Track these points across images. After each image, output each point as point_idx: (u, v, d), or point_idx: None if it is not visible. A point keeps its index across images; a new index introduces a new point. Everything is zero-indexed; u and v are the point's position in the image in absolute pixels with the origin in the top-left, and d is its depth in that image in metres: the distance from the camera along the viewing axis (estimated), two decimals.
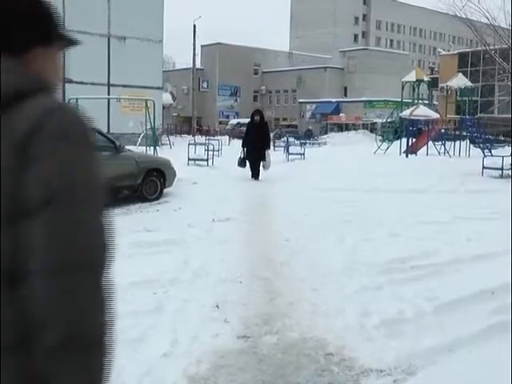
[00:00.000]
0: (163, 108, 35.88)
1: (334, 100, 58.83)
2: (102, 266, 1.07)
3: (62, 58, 1.27)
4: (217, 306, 4.56)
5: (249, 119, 15.87)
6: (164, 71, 40.25)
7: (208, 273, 5.51)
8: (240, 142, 16.07)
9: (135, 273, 5.13)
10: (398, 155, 24.53)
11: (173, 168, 11.41)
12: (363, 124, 53.45)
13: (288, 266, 5.93)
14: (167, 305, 4.53)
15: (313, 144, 38.15)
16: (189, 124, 52.18)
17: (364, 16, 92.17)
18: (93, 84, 27.67)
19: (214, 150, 19.22)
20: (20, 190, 1.05)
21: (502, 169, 16.33)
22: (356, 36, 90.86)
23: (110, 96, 28.26)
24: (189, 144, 19.30)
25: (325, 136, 47.01)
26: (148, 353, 3.63)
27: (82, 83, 26.59)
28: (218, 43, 64.72)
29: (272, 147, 19.40)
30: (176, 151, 21.07)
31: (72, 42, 1.27)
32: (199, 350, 3.73)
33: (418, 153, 25.42)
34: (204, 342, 3.87)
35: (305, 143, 30.37)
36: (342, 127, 54.95)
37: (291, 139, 29.16)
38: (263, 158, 14.44)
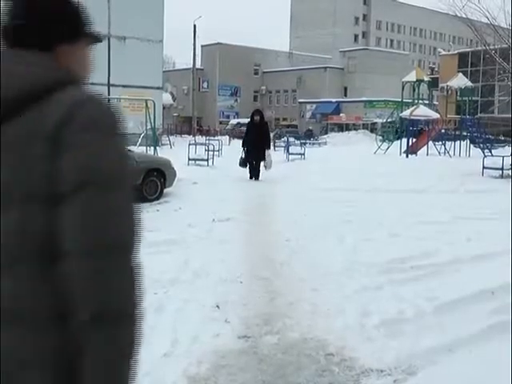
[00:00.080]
0: (163, 108, 35.88)
1: (334, 100, 58.81)
2: (132, 247, 1.15)
3: (91, 53, 1.36)
4: (217, 306, 4.56)
5: (249, 119, 15.87)
6: (164, 71, 40.26)
7: (208, 273, 5.51)
8: (240, 142, 16.08)
9: None
10: (398, 155, 24.53)
11: (173, 168, 11.41)
12: (363, 124, 53.44)
13: (288, 266, 5.93)
14: (167, 305, 4.53)
15: (313, 144, 38.14)
16: (189, 124, 52.18)
17: (364, 16, 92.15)
18: (93, 84, 27.44)
19: (214, 150, 19.22)
20: (54, 176, 1.12)
21: (502, 169, 16.33)
22: (356, 36, 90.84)
23: (110, 96, 28.25)
24: (189, 144, 19.29)
25: (325, 136, 47.01)
26: (148, 353, 3.62)
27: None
28: (218, 43, 64.70)
29: (272, 147, 19.38)
30: (176, 151, 21.06)
31: (98, 39, 1.36)
32: (199, 350, 3.73)
33: (419, 153, 25.42)
34: (204, 342, 3.87)
35: (305, 143, 30.37)
36: (342, 127, 54.94)
37: (291, 139, 29.16)
38: (263, 157, 14.45)
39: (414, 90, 28.55)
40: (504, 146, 29.74)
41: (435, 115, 27.33)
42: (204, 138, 33.14)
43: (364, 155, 23.99)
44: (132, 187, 1.20)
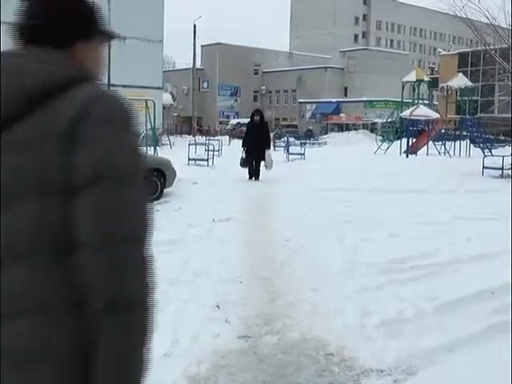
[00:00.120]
0: (163, 108, 35.88)
1: (334, 100, 58.84)
2: (145, 240, 1.18)
3: (105, 50, 1.40)
4: (217, 306, 4.56)
5: (249, 119, 15.87)
6: (164, 71, 40.26)
7: (208, 273, 5.51)
8: (240, 142, 16.08)
9: None
10: (398, 155, 24.53)
11: (173, 168, 11.40)
12: (363, 124, 53.46)
13: (288, 266, 5.93)
14: (167, 305, 4.52)
15: (313, 144, 38.16)
16: (189, 124, 52.19)
17: (364, 16, 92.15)
18: None
19: (214, 150, 19.22)
20: (70, 170, 1.14)
21: (502, 169, 16.33)
22: (356, 36, 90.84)
23: None
24: (189, 144, 19.30)
25: (325, 136, 47.02)
26: None
27: None
28: (218, 43, 64.72)
29: (272, 147, 19.39)
30: (176, 151, 21.06)
31: (112, 37, 1.40)
32: (200, 350, 3.73)
33: (419, 153, 25.43)
34: (204, 342, 3.87)
35: (305, 143, 30.38)
36: (342, 127, 54.96)
37: (291, 139, 29.17)
38: (263, 157, 14.45)
39: (413, 90, 28.56)
40: (504, 146, 29.76)
41: (435, 115, 27.33)
42: (204, 138, 33.15)
43: (364, 155, 23.99)
44: (144, 179, 1.22)
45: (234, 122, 54.48)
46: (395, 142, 27.62)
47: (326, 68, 64.02)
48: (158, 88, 31.14)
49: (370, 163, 19.11)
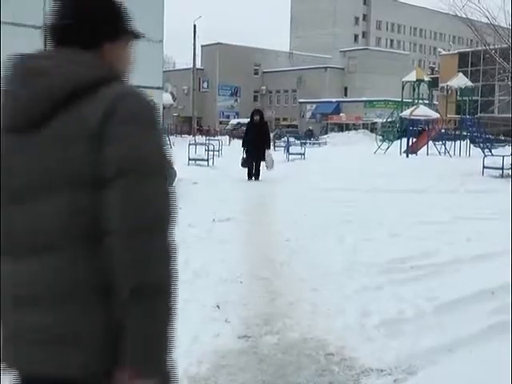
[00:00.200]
0: (163, 108, 35.76)
1: (334, 100, 58.85)
2: (168, 229, 1.24)
3: (131, 49, 1.49)
4: (217, 306, 4.56)
5: (249, 119, 15.87)
6: (164, 71, 40.14)
7: (208, 273, 5.51)
8: (240, 142, 16.08)
9: None
10: (398, 155, 24.54)
11: (173, 168, 11.38)
12: (363, 124, 53.48)
13: (288, 266, 5.93)
14: None
15: (313, 144, 38.17)
16: (189, 124, 52.19)
17: (364, 16, 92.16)
18: None
19: (214, 150, 19.24)
20: (100, 165, 1.21)
21: (502, 168, 16.33)
22: (356, 36, 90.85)
23: None
24: (189, 144, 19.31)
25: (325, 136, 47.05)
26: None
27: None
28: (218, 43, 64.73)
29: (272, 147, 19.39)
30: (176, 151, 20.88)
31: (137, 36, 1.48)
32: (200, 350, 3.73)
33: (419, 153, 25.44)
34: (204, 342, 3.87)
35: (305, 143, 30.40)
36: (342, 127, 54.98)
37: (291, 139, 29.18)
38: (263, 157, 14.45)
39: (414, 90, 28.58)
40: (504, 146, 29.79)
41: (435, 115, 27.35)
42: (204, 138, 33.17)
43: (364, 155, 23.99)
44: (168, 173, 1.30)
45: (234, 122, 54.47)
46: (395, 142, 27.63)
47: (326, 68, 64.04)
48: (158, 88, 30.89)
49: (370, 163, 19.11)
